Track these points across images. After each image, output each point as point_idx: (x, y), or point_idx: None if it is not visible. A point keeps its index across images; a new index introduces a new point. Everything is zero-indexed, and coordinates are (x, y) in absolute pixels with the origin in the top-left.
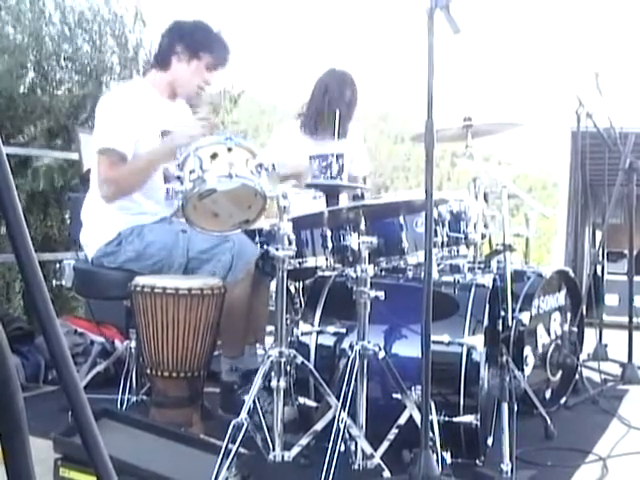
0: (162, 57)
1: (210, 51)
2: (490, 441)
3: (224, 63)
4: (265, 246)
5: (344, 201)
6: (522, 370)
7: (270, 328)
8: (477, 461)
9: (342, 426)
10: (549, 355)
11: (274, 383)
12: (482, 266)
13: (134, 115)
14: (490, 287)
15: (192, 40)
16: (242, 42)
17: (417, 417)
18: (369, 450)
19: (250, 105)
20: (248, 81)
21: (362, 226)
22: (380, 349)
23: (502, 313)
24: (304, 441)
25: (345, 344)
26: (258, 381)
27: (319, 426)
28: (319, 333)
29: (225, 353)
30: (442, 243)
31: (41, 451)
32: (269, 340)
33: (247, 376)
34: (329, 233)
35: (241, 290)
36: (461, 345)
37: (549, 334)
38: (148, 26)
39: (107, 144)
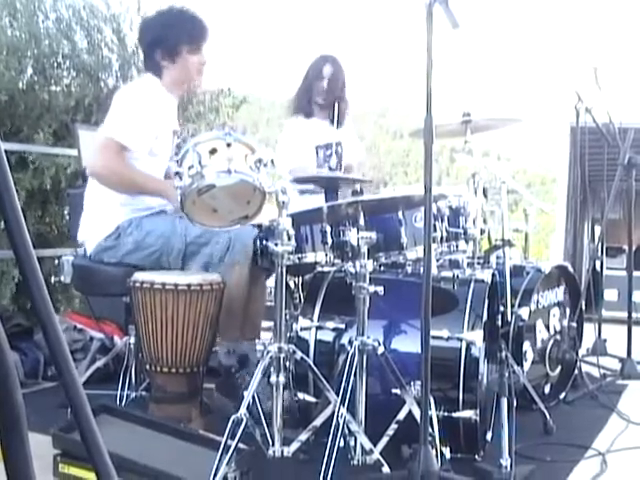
0: (150, 68)
1: (185, 40)
2: (489, 436)
3: (205, 37)
4: (264, 241)
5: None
6: (521, 365)
7: (269, 324)
8: (476, 456)
9: (341, 421)
10: (548, 350)
11: (273, 378)
12: (481, 261)
13: (154, 112)
14: (489, 282)
15: (164, 44)
16: (239, 38)
17: (416, 412)
18: (368, 445)
19: (248, 101)
20: (245, 77)
21: (361, 221)
22: (379, 344)
23: (501, 308)
24: (303, 436)
25: (344, 339)
26: (257, 376)
27: (318, 421)
28: (318, 328)
29: (222, 337)
30: (441, 238)
31: (40, 447)
32: (265, 336)
33: (244, 360)
34: (328, 229)
35: (239, 274)
36: (460, 340)
37: (548, 329)
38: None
39: (115, 135)
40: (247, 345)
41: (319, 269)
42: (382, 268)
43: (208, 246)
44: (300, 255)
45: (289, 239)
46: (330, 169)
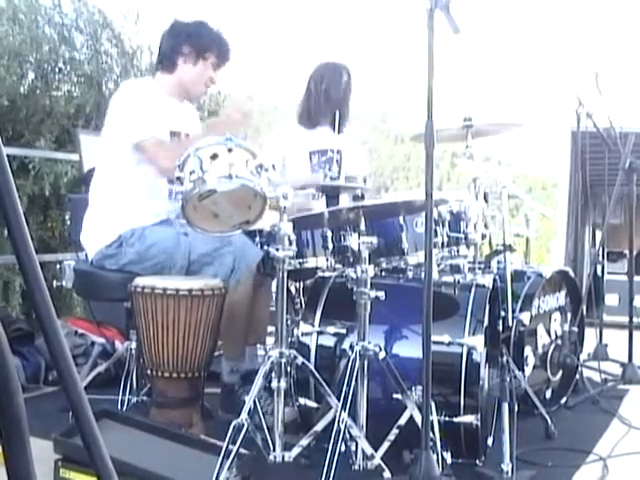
0: (167, 59)
1: (215, 51)
2: (490, 441)
3: (228, 60)
4: (265, 247)
5: (344, 201)
6: (522, 370)
7: (271, 328)
8: (477, 461)
9: (342, 426)
10: (549, 355)
11: (274, 384)
12: (482, 266)
13: (152, 108)
14: (490, 287)
15: (198, 41)
16: (241, 42)
17: (417, 417)
18: (369, 450)
19: (250, 105)
20: (246, 81)
21: (362, 226)
22: (380, 349)
23: (502, 313)
24: (304, 442)
25: (345, 344)
26: (259, 382)
27: (319, 427)
28: (319, 333)
29: (226, 355)
30: (442, 243)
31: (41, 451)
32: (270, 340)
33: (247, 377)
34: (329, 234)
35: (242, 292)
36: (461, 345)
37: (549, 334)
38: (147, 28)
39: (146, 134)
40: (249, 360)
41: (320, 274)
42: (383, 273)
43: (212, 267)
44: (301, 260)
45: (290, 244)
46: (331, 179)
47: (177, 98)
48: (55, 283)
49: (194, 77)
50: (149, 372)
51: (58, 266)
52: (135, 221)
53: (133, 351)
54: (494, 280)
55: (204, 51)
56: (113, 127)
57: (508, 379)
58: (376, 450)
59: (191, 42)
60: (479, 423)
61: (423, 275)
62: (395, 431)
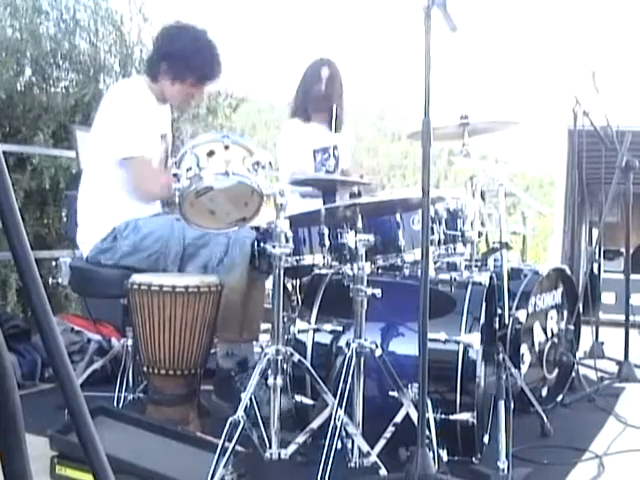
0: (150, 68)
1: (194, 73)
2: (487, 439)
3: (212, 79)
4: (262, 244)
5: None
6: (519, 368)
7: (266, 326)
8: (473, 459)
9: (339, 424)
10: (546, 353)
11: (271, 381)
12: (479, 264)
13: (143, 118)
14: (487, 285)
15: (175, 63)
16: (237, 40)
17: (414, 415)
18: (366, 448)
19: (247, 103)
20: (244, 79)
21: (359, 224)
22: (377, 347)
23: (499, 311)
24: (301, 439)
25: (342, 342)
26: (255, 379)
27: (316, 424)
28: (316, 331)
29: (221, 339)
30: (439, 241)
31: (37, 449)
32: (264, 338)
33: (244, 364)
34: (326, 231)
35: (237, 276)
36: (458, 343)
37: (546, 332)
38: (148, 22)
39: (137, 152)
40: (245, 347)
41: (317, 271)
42: (380, 270)
43: (206, 248)
44: (298, 257)
45: (287, 241)
46: (327, 172)
47: (161, 102)
48: (51, 280)
49: (172, 93)
50: (145, 369)
51: (54, 263)
52: (129, 213)
53: (129, 348)
54: (491, 278)
55: (181, 74)
56: (101, 135)
57: (504, 377)
58: (372, 447)
59: (169, 63)
60: (475, 421)
61: (420, 273)
62: (391, 428)
